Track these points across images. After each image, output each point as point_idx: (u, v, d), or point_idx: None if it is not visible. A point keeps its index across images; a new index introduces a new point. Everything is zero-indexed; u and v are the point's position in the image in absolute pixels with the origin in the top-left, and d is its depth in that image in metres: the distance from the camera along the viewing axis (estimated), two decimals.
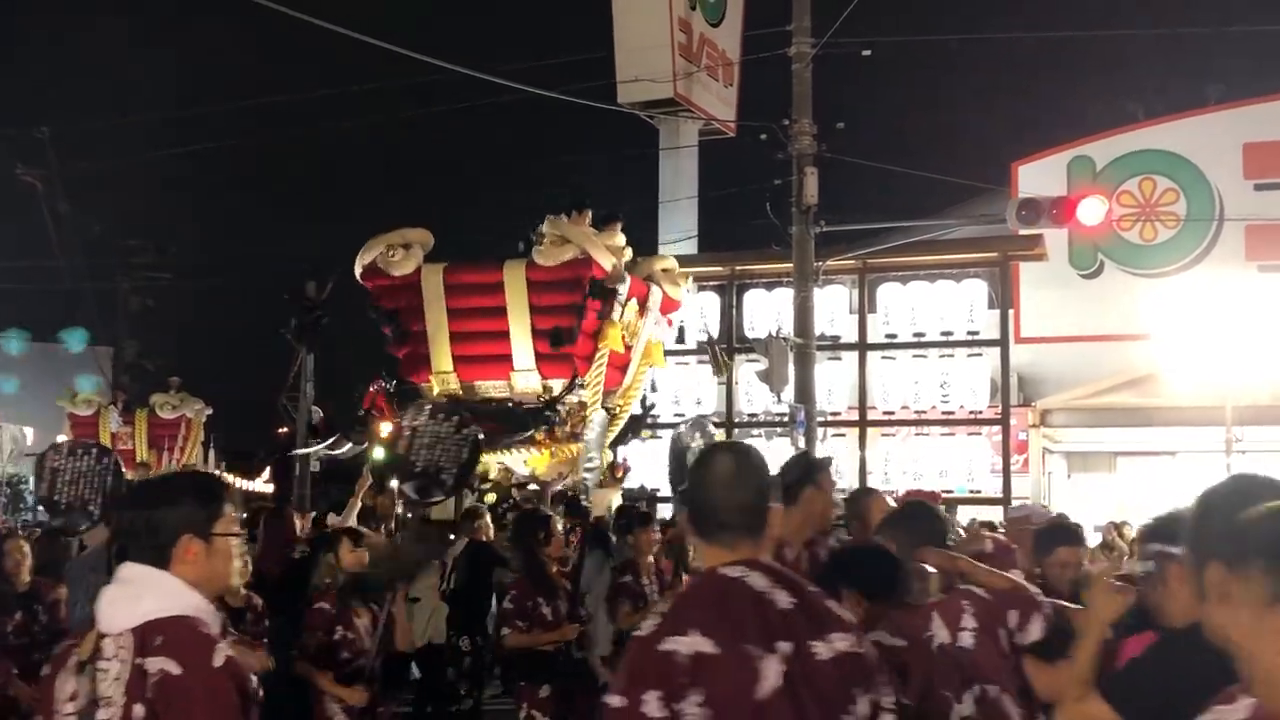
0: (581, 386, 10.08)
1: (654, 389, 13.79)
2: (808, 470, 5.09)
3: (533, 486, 10.14)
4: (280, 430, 23.46)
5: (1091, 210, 15.18)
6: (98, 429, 19.77)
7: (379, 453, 10.62)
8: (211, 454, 22.00)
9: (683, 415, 18.34)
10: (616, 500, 11.46)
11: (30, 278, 27.25)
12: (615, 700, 2.81)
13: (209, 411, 20.78)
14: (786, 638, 2.82)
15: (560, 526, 8.06)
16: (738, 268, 18.61)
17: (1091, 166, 20.85)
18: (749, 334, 18.15)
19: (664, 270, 10.82)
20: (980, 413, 17.79)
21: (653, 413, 17.07)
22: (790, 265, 16.20)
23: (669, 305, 10.80)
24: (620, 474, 11.65)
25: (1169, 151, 20.72)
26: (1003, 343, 17.69)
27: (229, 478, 24.31)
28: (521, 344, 9.99)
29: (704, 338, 16.51)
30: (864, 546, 4.51)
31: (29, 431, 23.55)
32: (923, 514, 4.57)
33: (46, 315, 29.91)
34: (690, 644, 2.78)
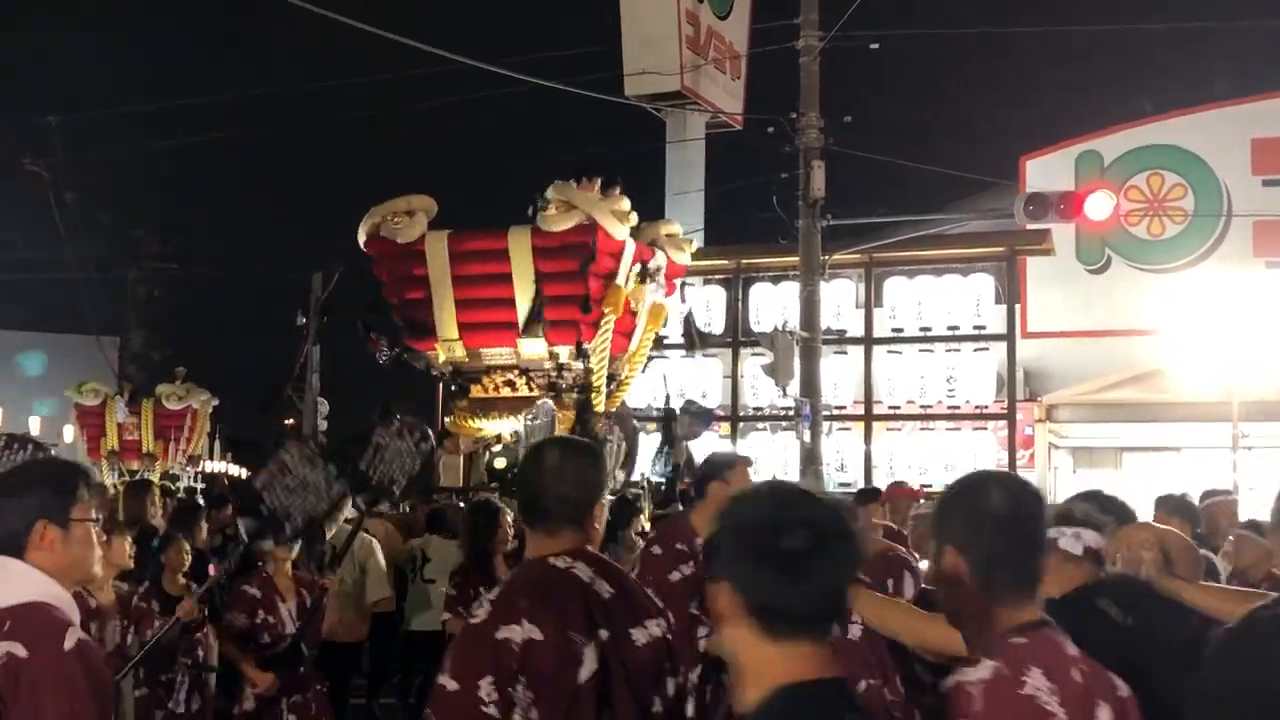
0: (588, 354, 10.02)
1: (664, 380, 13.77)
2: (716, 467, 5.39)
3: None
4: (287, 421, 23.47)
5: (1099, 205, 15.14)
6: (104, 419, 19.79)
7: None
8: (217, 444, 22.04)
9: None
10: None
11: (37, 267, 27.32)
12: (451, 685, 2.94)
13: (215, 402, 20.78)
14: (607, 625, 3.02)
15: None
16: (744, 261, 18.59)
17: (1099, 161, 20.80)
18: (755, 327, 18.14)
19: (669, 235, 10.74)
20: (986, 407, 17.77)
21: (658, 406, 17.07)
22: (796, 259, 16.19)
23: (674, 270, 10.73)
24: None
25: (1177, 147, 20.66)
26: (1009, 337, 17.65)
27: (234, 469, 24.41)
28: (527, 311, 9.91)
29: (703, 326, 16.46)
30: None
31: (34, 421, 23.63)
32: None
33: (54, 305, 30.00)
34: (522, 632, 2.94)
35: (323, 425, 20.55)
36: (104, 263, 27.09)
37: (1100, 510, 4.33)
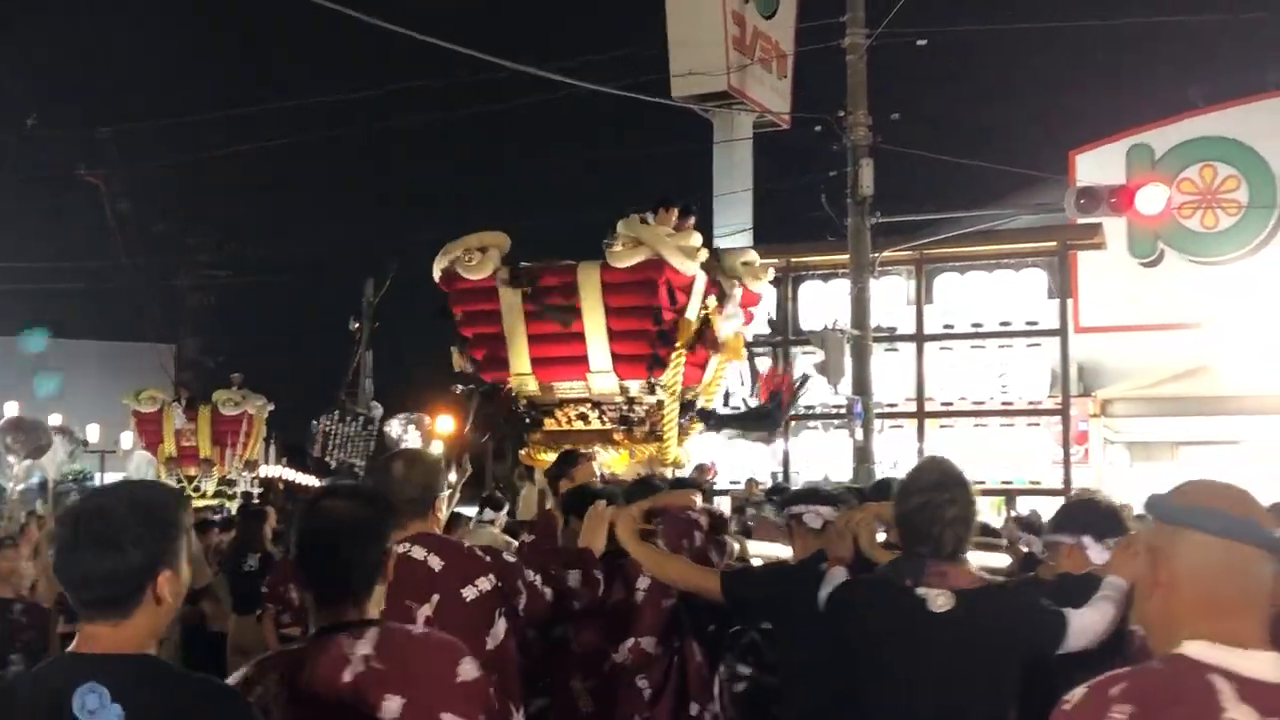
0: (660, 386, 10.01)
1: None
2: (561, 465, 6.18)
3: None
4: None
5: (1151, 198, 15.04)
6: (161, 426, 20.04)
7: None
8: (273, 449, 22.26)
9: (738, 409, 18.33)
10: (698, 501, 11.42)
11: (93, 277, 27.72)
12: None
13: (270, 407, 20.99)
14: (439, 590, 3.89)
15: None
16: (793, 260, 18.56)
17: (1150, 154, 20.61)
18: (805, 326, 18.14)
19: (745, 264, 10.74)
20: (1040, 403, 17.67)
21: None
22: (846, 257, 16.18)
23: (749, 299, 10.72)
24: (711, 475, 11.57)
25: (1229, 138, 20.43)
26: (1062, 333, 17.55)
27: (290, 473, 24.67)
28: (598, 346, 9.94)
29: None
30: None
31: (95, 429, 23.96)
32: (648, 483, 6.03)
33: (110, 313, 30.43)
34: None
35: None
36: (158, 271, 27.45)
37: (875, 492, 5.36)
